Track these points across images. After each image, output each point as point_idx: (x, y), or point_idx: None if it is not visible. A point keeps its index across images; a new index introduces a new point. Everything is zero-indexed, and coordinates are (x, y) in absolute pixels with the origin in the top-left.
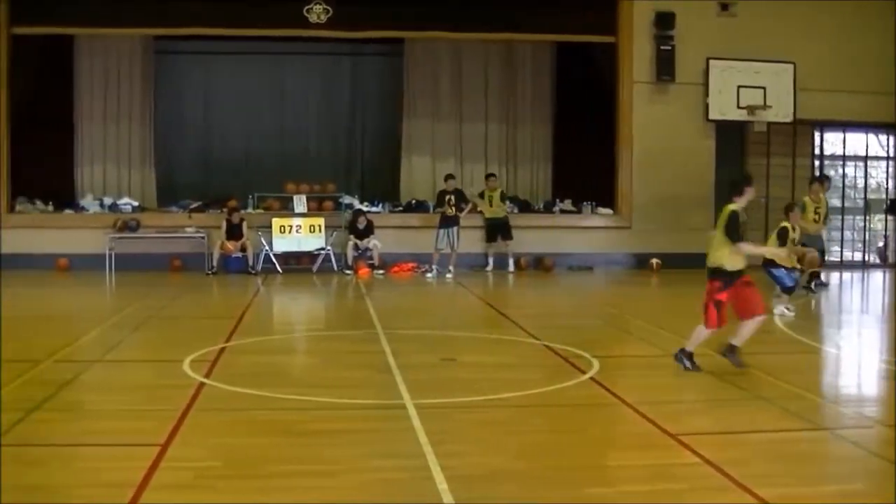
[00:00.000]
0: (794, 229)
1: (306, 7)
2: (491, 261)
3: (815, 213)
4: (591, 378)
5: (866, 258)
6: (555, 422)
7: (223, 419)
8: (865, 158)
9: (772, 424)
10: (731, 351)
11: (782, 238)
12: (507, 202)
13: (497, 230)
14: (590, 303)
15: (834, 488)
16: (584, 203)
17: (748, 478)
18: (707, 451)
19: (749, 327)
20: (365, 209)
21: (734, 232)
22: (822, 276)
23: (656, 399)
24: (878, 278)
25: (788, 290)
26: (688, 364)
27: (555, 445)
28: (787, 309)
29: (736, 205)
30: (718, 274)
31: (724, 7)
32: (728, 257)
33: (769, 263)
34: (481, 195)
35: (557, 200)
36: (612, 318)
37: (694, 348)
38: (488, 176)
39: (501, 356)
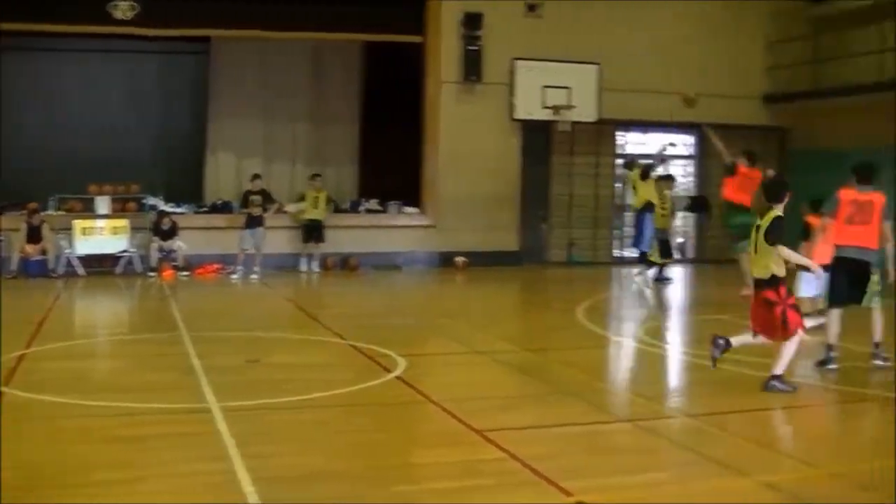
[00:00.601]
0: None
1: (111, 3)
2: (305, 261)
3: (662, 209)
4: (398, 377)
5: None
6: (363, 421)
7: (24, 429)
8: (667, 157)
9: (577, 418)
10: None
11: None
12: (331, 204)
13: (314, 231)
14: (396, 302)
15: (639, 478)
16: (391, 202)
17: (555, 471)
18: (514, 446)
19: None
20: (169, 210)
21: (777, 236)
22: (666, 272)
23: (462, 396)
24: (678, 273)
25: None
26: (786, 387)
27: (363, 445)
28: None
29: (777, 210)
30: (777, 281)
31: (531, 8)
32: (777, 264)
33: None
34: (303, 197)
35: (364, 200)
36: (418, 316)
37: (784, 369)
38: (313, 176)
39: (308, 356)
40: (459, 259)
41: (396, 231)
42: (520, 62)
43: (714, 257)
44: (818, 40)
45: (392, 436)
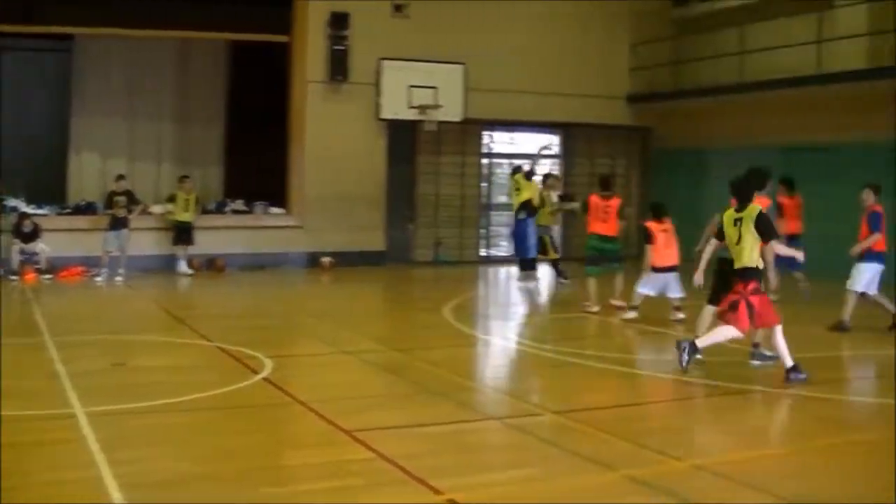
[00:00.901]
0: None
1: None
2: (182, 263)
3: (547, 207)
4: (265, 378)
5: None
6: (230, 424)
7: None
8: (532, 156)
9: (445, 417)
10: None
11: None
12: (199, 205)
13: (185, 233)
14: (262, 303)
15: (508, 475)
16: (257, 203)
17: (424, 470)
18: (382, 445)
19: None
20: (31, 212)
21: (774, 230)
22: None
23: (330, 396)
24: (543, 272)
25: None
26: (686, 358)
27: (231, 447)
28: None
29: (758, 205)
30: (753, 274)
31: (398, 8)
32: (757, 257)
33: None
34: (172, 198)
35: (229, 201)
36: (285, 317)
37: (705, 346)
38: (183, 178)
39: (174, 359)
40: (326, 259)
41: (263, 232)
42: (386, 62)
43: (580, 255)
44: (681, 41)
45: (260, 438)
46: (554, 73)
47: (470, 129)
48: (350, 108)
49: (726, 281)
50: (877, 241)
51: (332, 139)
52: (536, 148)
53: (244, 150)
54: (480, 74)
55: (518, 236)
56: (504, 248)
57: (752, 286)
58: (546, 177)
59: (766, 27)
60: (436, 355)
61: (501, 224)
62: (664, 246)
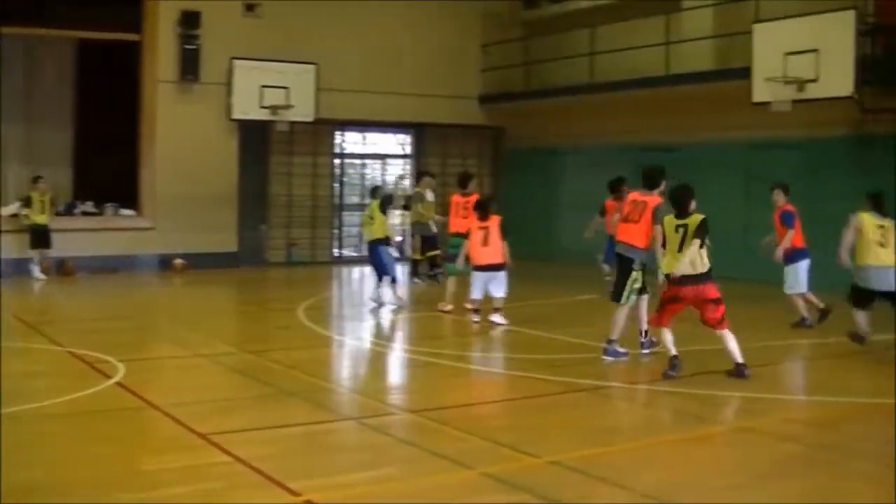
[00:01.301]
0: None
1: None
2: (36, 267)
3: (423, 210)
4: (118, 383)
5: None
6: (83, 430)
7: None
8: (384, 156)
9: (301, 418)
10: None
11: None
12: (54, 208)
13: (43, 236)
14: (114, 306)
15: (366, 475)
16: (107, 204)
17: (282, 472)
18: (239, 448)
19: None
20: None
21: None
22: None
23: (185, 400)
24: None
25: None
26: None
27: (85, 454)
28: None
29: (698, 214)
30: (708, 277)
31: (250, 8)
32: (706, 261)
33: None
34: (27, 200)
35: (79, 202)
36: (138, 320)
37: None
38: (36, 179)
39: (24, 365)
40: (178, 261)
41: (114, 234)
42: (238, 62)
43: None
44: (532, 42)
45: (115, 444)
46: (406, 74)
47: (322, 130)
48: (202, 109)
49: (625, 275)
50: (792, 237)
51: (183, 139)
52: (394, 180)
53: (94, 150)
54: (332, 74)
55: (373, 262)
56: (356, 247)
57: (711, 289)
58: (420, 175)
59: (616, 28)
60: (291, 356)
61: (354, 224)
62: (480, 244)
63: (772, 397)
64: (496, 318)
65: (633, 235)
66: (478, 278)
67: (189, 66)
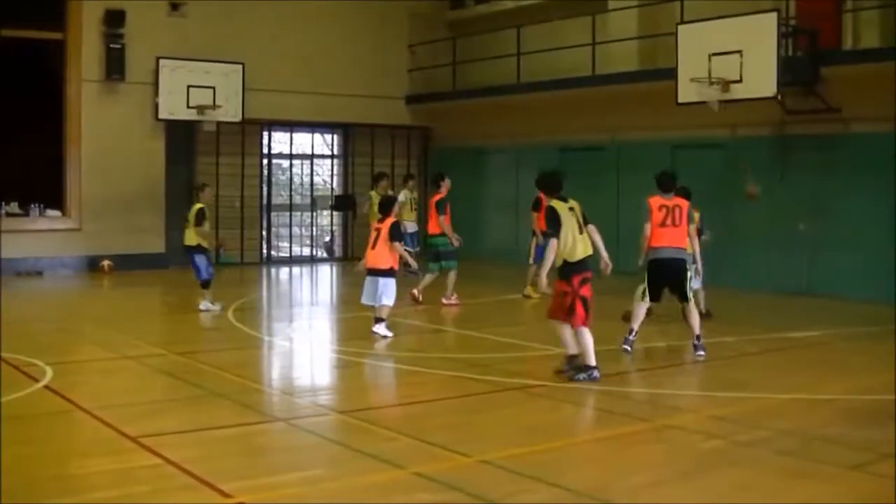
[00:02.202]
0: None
1: None
2: None
3: (413, 207)
4: (46, 386)
5: (314, 253)
6: (12, 434)
7: None
8: (311, 157)
9: (230, 419)
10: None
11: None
12: None
13: None
14: (41, 308)
15: (295, 475)
16: (32, 205)
17: (212, 473)
18: (168, 450)
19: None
20: None
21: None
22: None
23: (114, 403)
24: (325, 271)
25: (205, 284)
26: (582, 376)
27: (13, 459)
28: (212, 303)
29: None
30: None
31: (175, 7)
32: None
33: (194, 250)
34: None
35: (2, 203)
36: (65, 323)
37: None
38: None
39: None
40: (105, 263)
41: (38, 235)
42: (164, 61)
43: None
44: (458, 43)
45: (43, 447)
46: (333, 74)
47: (249, 130)
48: (127, 108)
49: (683, 275)
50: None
51: (109, 139)
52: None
53: (18, 151)
54: (259, 74)
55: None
56: (285, 248)
57: (577, 280)
58: (378, 177)
59: (542, 29)
60: (220, 358)
61: (283, 224)
62: (370, 246)
63: (697, 394)
64: (378, 328)
65: (678, 239)
66: (366, 282)
67: (114, 65)
